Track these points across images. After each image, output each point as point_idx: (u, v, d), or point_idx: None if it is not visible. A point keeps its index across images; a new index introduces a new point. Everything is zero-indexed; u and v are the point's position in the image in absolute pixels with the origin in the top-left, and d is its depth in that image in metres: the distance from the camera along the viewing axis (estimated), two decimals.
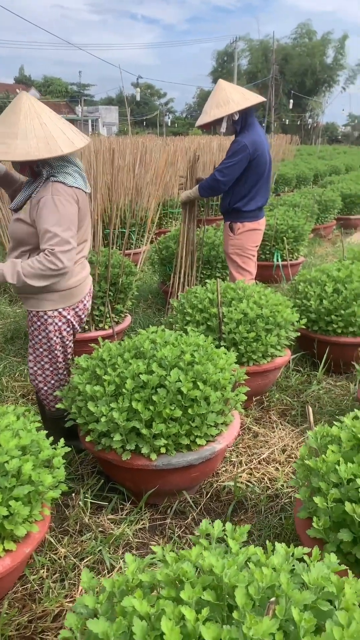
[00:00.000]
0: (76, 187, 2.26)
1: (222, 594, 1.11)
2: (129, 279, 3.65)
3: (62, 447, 1.89)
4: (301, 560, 1.26)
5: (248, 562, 1.23)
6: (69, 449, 1.95)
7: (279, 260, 5.50)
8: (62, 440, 1.93)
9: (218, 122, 3.37)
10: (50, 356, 2.43)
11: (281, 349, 3.06)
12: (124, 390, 2.13)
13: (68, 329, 2.42)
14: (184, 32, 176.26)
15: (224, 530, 1.35)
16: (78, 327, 2.49)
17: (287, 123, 45.88)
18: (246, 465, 2.61)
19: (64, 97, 59.21)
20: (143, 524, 2.21)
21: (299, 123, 50.69)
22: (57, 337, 2.39)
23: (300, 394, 3.29)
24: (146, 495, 2.21)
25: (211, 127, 3.55)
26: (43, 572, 1.96)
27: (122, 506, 2.30)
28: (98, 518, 2.24)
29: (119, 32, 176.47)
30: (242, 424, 2.94)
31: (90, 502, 2.29)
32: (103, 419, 2.08)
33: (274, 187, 10.02)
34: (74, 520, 2.21)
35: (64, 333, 2.41)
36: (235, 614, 1.03)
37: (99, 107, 52.54)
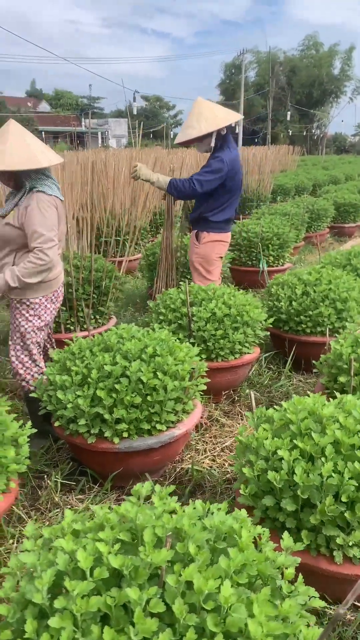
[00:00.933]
0: (54, 196, 2.71)
1: (137, 536, 1.32)
2: (111, 282, 3.88)
3: (28, 428, 2.12)
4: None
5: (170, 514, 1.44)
6: (34, 430, 2.17)
7: (265, 266, 5.70)
8: (29, 423, 2.15)
9: (207, 136, 3.49)
10: (25, 338, 2.73)
11: (249, 347, 3.26)
12: (89, 379, 2.35)
13: (45, 314, 2.78)
14: (193, 45, 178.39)
15: (152, 491, 1.55)
16: (53, 312, 2.86)
17: (290, 134, 46.17)
18: (210, 452, 2.81)
19: (75, 110, 60.16)
20: (110, 504, 2.41)
21: (305, 134, 51.01)
22: (36, 321, 2.73)
23: (270, 389, 3.48)
24: (111, 476, 2.42)
25: (191, 144, 3.71)
26: (12, 543, 2.17)
27: (90, 487, 2.51)
28: (67, 498, 2.44)
29: (130, 45, 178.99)
30: (210, 416, 3.14)
31: (61, 483, 2.50)
32: (69, 406, 2.30)
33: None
34: (45, 499, 2.42)
35: (42, 316, 2.77)
36: (141, 549, 1.24)
37: (109, 120, 53.30)
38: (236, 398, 3.36)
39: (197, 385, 2.54)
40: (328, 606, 1.79)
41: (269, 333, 3.52)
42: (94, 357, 2.46)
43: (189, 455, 2.78)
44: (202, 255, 3.75)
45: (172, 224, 3.93)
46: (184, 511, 1.43)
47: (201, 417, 2.95)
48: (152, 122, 57.99)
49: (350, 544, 1.63)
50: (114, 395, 2.30)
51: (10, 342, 2.77)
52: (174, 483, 2.58)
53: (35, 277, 2.60)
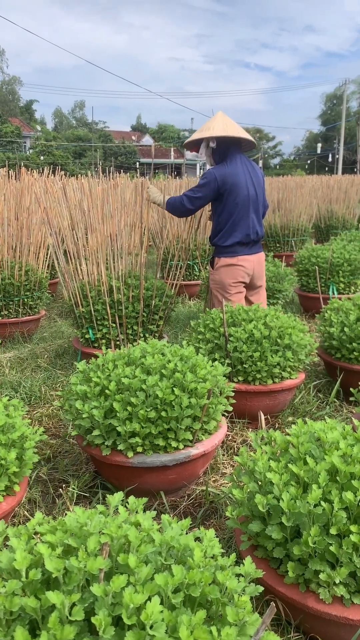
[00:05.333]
0: None
1: (84, 541, 1.28)
2: (161, 301, 3.90)
3: (40, 434, 2.16)
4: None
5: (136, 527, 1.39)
6: (44, 437, 2.20)
7: (335, 292, 5.49)
8: (41, 429, 2.19)
9: (198, 145, 3.59)
10: None
11: (292, 372, 3.13)
12: (107, 391, 2.36)
13: None
14: (296, 77, 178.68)
15: (125, 501, 1.51)
16: None
17: None
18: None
19: (176, 143, 62.31)
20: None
21: None
22: None
23: (315, 419, 3.30)
24: (125, 490, 2.40)
25: (193, 153, 3.82)
26: None
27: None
28: (83, 508, 2.44)
29: (232, 80, 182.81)
30: (244, 441, 3.03)
31: (79, 495, 2.51)
32: (85, 415, 2.32)
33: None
34: (60, 509, 2.44)
35: None
36: (81, 553, 1.20)
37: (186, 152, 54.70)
38: (277, 425, 3.22)
39: (216, 405, 2.46)
40: None
41: (317, 359, 3.36)
42: (115, 369, 2.47)
43: (213, 478, 2.69)
44: (217, 282, 3.69)
45: None
46: (152, 526, 1.38)
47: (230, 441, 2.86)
48: (250, 153, 58.63)
49: (337, 581, 1.48)
50: (129, 408, 2.29)
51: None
52: (192, 505, 2.51)
53: None
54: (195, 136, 3.60)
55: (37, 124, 61.11)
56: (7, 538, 1.50)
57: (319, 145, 51.05)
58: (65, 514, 2.36)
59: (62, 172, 6.75)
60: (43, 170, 6.25)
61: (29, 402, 3.55)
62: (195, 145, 3.73)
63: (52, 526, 1.36)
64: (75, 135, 56.21)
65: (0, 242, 4.81)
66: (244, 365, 3.00)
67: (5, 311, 4.76)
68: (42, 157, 39.35)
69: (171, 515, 2.42)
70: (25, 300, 4.80)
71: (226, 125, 3.55)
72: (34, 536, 1.40)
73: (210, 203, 3.70)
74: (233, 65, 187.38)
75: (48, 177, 5.96)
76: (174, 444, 2.33)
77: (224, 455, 2.90)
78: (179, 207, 3.60)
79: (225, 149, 3.59)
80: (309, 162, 56.95)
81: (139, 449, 2.31)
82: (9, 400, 2.27)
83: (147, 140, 63.90)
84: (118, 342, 3.83)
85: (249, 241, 3.68)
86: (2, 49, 58.36)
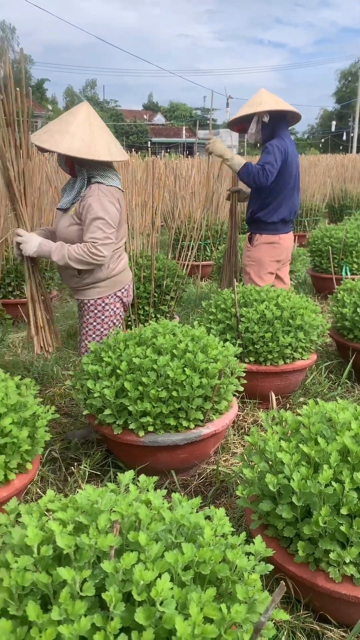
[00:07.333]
0: (115, 187, 2.62)
1: (95, 519, 1.29)
2: (172, 281, 3.89)
3: (52, 413, 2.17)
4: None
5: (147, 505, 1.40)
6: (55, 415, 2.21)
7: (348, 273, 5.43)
8: (53, 408, 2.20)
9: (248, 122, 3.46)
10: (101, 336, 2.77)
11: (303, 352, 3.11)
12: (118, 371, 2.37)
13: (119, 311, 2.80)
14: (310, 54, 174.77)
15: (136, 480, 1.52)
16: (123, 310, 2.88)
17: None
18: None
19: (188, 122, 61.56)
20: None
21: None
22: (112, 319, 2.77)
23: (326, 400, 3.29)
24: (137, 469, 2.41)
25: (244, 129, 3.61)
26: None
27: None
28: (94, 486, 2.46)
29: (245, 57, 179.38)
30: (255, 421, 3.03)
31: (91, 473, 2.53)
32: (96, 395, 2.33)
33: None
34: (72, 487, 2.46)
35: (118, 313, 2.80)
36: (92, 531, 1.21)
37: (220, 131, 54.05)
38: (288, 406, 3.22)
39: (227, 385, 2.46)
40: (329, 628, 1.65)
41: (329, 340, 3.34)
42: (127, 349, 2.47)
43: (224, 458, 2.70)
44: (255, 259, 3.61)
45: (236, 225, 3.87)
46: (163, 504, 1.38)
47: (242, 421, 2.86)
48: None
49: (347, 560, 1.48)
50: (140, 388, 2.29)
51: (82, 342, 2.79)
52: (203, 484, 2.52)
53: (78, 265, 2.56)
54: (244, 111, 3.44)
55: (49, 103, 60.61)
56: (19, 515, 1.52)
57: (333, 123, 50.14)
58: (77, 492, 2.39)
59: None
60: None
61: (41, 382, 3.57)
62: (240, 122, 3.59)
63: (63, 504, 1.37)
64: None
65: (12, 223, 4.80)
66: (256, 346, 2.99)
67: (17, 291, 4.77)
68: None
69: (182, 494, 2.43)
70: None
71: (276, 100, 3.46)
72: (45, 513, 1.42)
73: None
74: (246, 42, 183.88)
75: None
76: (185, 423, 2.33)
77: (234, 435, 2.90)
78: (258, 178, 3.34)
79: (276, 124, 3.48)
80: (322, 140, 56.03)
81: (150, 428, 2.32)
82: (21, 379, 2.28)
83: (159, 119, 63.16)
84: (129, 323, 3.83)
85: (290, 220, 3.63)
86: (12, 26, 57.63)
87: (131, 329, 2.70)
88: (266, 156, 3.39)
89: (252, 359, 3.00)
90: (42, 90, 63.44)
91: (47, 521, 1.31)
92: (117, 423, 2.35)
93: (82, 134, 2.47)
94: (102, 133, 2.55)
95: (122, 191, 2.74)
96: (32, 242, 2.57)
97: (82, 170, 2.61)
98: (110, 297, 2.73)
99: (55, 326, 2.81)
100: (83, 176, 2.61)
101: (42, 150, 2.53)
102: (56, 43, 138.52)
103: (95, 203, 2.53)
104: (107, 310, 2.72)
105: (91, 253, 2.54)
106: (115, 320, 2.77)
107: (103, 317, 2.73)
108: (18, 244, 2.61)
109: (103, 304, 2.71)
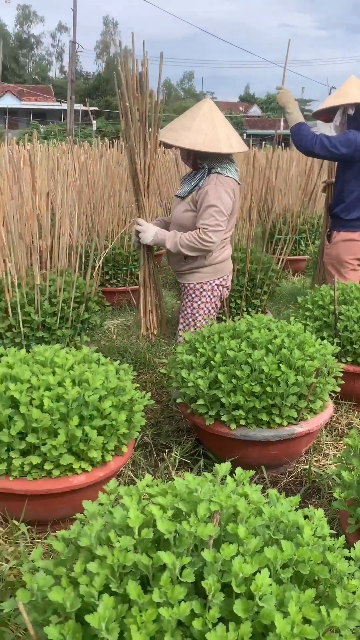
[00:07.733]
0: (233, 178, 2.76)
1: (194, 507, 1.31)
2: (266, 275, 3.84)
3: (147, 399, 2.22)
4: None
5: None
6: (152, 401, 2.26)
7: None
8: (148, 394, 2.26)
9: (333, 112, 3.33)
10: (197, 322, 2.87)
11: None
12: (212, 362, 2.38)
13: (215, 299, 2.89)
14: None
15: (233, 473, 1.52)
16: (223, 297, 2.99)
17: None
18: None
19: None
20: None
21: None
22: (207, 306, 2.87)
23: None
24: (227, 461, 2.41)
25: (330, 119, 3.46)
26: None
27: (209, 469, 2.53)
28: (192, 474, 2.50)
29: (349, 46, 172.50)
30: (349, 424, 2.94)
31: (181, 461, 2.57)
32: (190, 384, 2.35)
33: None
34: (162, 473, 2.51)
35: (214, 301, 2.89)
36: (192, 519, 1.23)
37: (317, 122, 52.49)
38: None
39: (323, 385, 2.39)
40: None
41: None
42: (221, 341, 2.47)
43: (315, 458, 2.64)
44: (333, 257, 3.49)
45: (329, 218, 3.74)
46: (261, 499, 1.37)
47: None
48: None
49: None
50: (234, 381, 2.29)
51: (180, 325, 2.90)
52: (293, 483, 2.48)
53: (189, 252, 2.69)
54: (330, 103, 3.34)
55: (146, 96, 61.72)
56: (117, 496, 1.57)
57: None
58: (168, 478, 2.43)
59: None
60: None
61: (135, 368, 3.66)
62: (326, 113, 3.50)
63: (162, 489, 1.39)
64: (184, 107, 56.17)
65: (112, 214, 4.94)
66: (354, 346, 2.89)
67: (114, 280, 4.91)
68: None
69: (270, 489, 2.40)
70: (133, 270, 4.92)
71: None
72: (143, 497, 1.45)
73: (337, 169, 3.50)
74: (348, 31, 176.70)
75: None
76: (277, 420, 2.30)
77: (327, 436, 2.83)
78: (304, 140, 3.17)
79: (356, 115, 3.31)
80: None
81: (242, 422, 2.31)
82: (119, 364, 2.35)
83: (255, 110, 62.44)
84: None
85: None
86: (115, 21, 59.13)
87: (225, 321, 2.72)
88: (336, 135, 3.25)
89: (349, 359, 2.90)
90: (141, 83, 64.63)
91: (146, 505, 1.34)
92: (209, 414, 2.36)
93: (206, 128, 2.60)
94: (223, 125, 2.67)
95: (239, 184, 2.84)
96: (150, 231, 2.75)
97: (203, 164, 2.75)
98: (208, 283, 2.81)
99: (163, 311, 2.93)
100: (204, 168, 2.75)
101: (167, 146, 2.68)
102: (155, 36, 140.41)
103: (212, 191, 2.66)
104: (205, 296, 2.79)
105: (201, 239, 2.65)
106: (210, 308, 2.83)
107: (200, 302, 2.81)
108: (137, 232, 2.77)
109: (201, 289, 2.79)
